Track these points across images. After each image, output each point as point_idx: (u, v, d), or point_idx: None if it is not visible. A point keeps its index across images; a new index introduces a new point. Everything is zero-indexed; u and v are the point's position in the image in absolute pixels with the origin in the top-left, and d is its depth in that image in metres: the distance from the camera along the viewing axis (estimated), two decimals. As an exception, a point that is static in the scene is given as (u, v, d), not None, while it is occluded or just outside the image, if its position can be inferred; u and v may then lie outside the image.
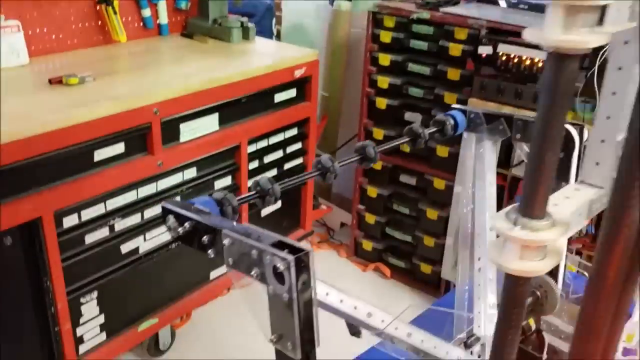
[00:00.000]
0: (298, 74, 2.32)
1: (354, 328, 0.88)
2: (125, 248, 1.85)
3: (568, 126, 1.23)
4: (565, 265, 1.35)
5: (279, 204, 2.47)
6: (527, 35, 0.59)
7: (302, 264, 0.69)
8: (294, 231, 2.60)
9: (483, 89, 2.20)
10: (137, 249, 1.88)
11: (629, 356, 0.97)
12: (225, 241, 0.77)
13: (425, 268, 2.59)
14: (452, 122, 1.33)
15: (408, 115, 2.52)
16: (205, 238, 0.80)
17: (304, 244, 0.72)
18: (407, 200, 2.61)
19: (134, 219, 1.85)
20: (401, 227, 2.67)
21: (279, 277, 0.70)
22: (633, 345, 1.02)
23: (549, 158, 0.62)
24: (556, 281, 1.34)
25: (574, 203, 0.81)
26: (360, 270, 2.78)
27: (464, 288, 1.28)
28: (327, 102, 3.12)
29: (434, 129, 1.32)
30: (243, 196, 0.92)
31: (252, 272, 0.73)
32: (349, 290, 2.87)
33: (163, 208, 0.85)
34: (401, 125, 2.54)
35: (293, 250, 0.70)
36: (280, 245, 0.71)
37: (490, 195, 1.35)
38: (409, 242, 2.65)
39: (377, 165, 2.68)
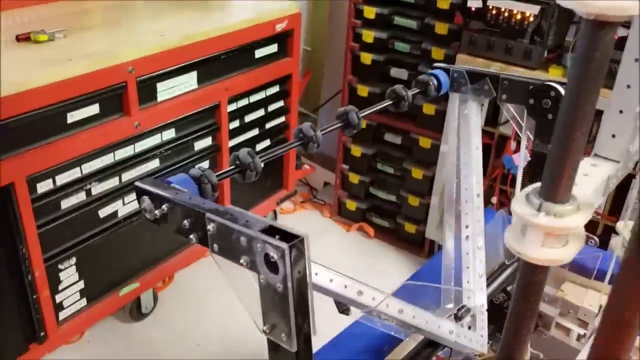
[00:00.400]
0: (279, 28, 2.23)
1: (343, 306, 0.84)
2: (103, 213, 1.79)
3: (556, 84, 1.18)
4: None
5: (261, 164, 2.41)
6: (561, 1, 0.52)
7: (297, 252, 0.64)
8: (276, 192, 2.55)
9: (472, 44, 2.13)
10: (115, 213, 1.82)
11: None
12: (210, 226, 0.70)
13: (410, 227, 2.58)
14: (435, 82, 1.28)
15: (394, 72, 2.44)
16: (186, 222, 0.74)
17: (297, 230, 0.66)
18: (392, 160, 2.57)
19: (112, 183, 1.78)
20: (385, 186, 2.64)
21: (272, 266, 0.64)
22: None
23: (578, 137, 0.56)
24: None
25: (593, 181, 0.76)
26: (344, 230, 2.76)
27: (450, 256, 1.24)
28: (309, 57, 3.03)
29: (417, 90, 1.27)
30: (222, 172, 0.86)
31: (241, 261, 0.68)
32: (332, 250, 2.84)
33: (136, 188, 0.78)
34: (387, 82, 2.49)
35: (285, 236, 0.64)
36: (271, 231, 0.65)
37: (476, 159, 1.30)
38: (393, 201, 2.62)
39: (362, 123, 2.62)
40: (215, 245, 0.71)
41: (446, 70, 1.30)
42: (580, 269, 1.43)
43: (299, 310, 0.66)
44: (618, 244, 1.37)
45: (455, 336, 0.99)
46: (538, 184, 0.63)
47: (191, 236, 0.75)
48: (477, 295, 1.12)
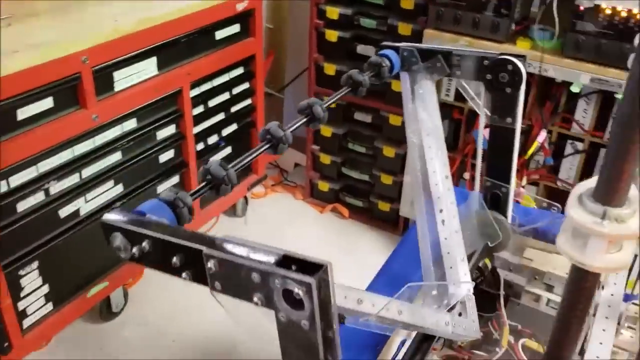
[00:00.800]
0: (240, 7, 2.14)
1: (340, 316, 0.78)
2: (64, 212, 1.69)
3: (512, 58, 1.14)
4: (512, 199, 1.31)
5: (228, 150, 2.34)
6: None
7: (324, 283, 0.55)
8: (246, 177, 2.48)
9: (439, 19, 2.07)
10: (77, 212, 1.73)
11: (630, 300, 0.93)
12: (210, 264, 0.60)
13: (384, 206, 2.54)
14: (387, 62, 1.21)
15: (361, 49, 2.38)
16: (175, 259, 0.63)
17: (317, 258, 0.57)
18: (363, 139, 2.52)
19: (72, 180, 1.69)
20: (357, 166, 2.59)
21: (294, 302, 0.56)
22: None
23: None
24: (506, 216, 1.30)
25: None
26: (318, 212, 2.71)
27: (426, 243, 1.19)
28: (272, 35, 2.93)
29: (370, 73, 1.20)
30: (196, 190, 0.76)
31: (254, 299, 0.58)
32: (307, 233, 2.79)
33: (104, 225, 0.67)
34: (354, 59, 2.42)
35: (305, 267, 0.55)
36: (286, 262, 0.56)
37: (439, 139, 1.25)
38: (366, 181, 2.58)
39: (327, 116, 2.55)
40: (217, 284, 0.61)
41: (395, 49, 1.24)
42: (542, 234, 1.43)
43: (327, 344, 0.58)
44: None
45: (452, 327, 0.95)
46: (586, 184, 0.57)
47: (183, 275, 0.64)
48: (461, 280, 1.08)
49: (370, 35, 2.34)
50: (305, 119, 0.97)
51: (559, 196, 2.22)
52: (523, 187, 2.16)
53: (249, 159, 0.83)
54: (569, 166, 2.13)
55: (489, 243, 1.26)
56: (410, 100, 1.28)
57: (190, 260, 0.62)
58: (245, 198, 2.63)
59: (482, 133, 1.29)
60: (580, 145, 2.07)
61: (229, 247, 0.60)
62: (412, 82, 1.27)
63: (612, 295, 0.82)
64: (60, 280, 1.73)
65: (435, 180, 1.21)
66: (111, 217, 0.67)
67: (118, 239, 0.66)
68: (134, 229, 0.65)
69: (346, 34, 2.38)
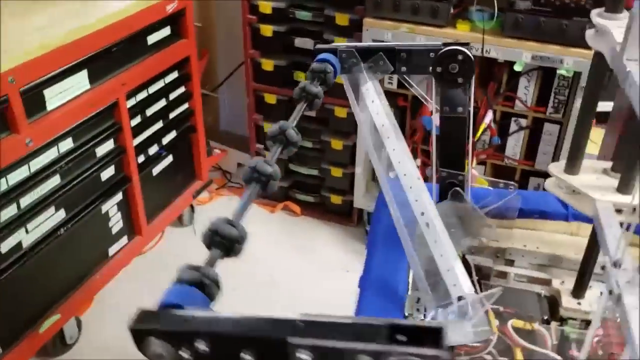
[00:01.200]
0: (170, 8, 2.03)
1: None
2: (4, 246, 1.55)
3: (463, 48, 1.11)
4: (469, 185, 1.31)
5: (170, 159, 2.23)
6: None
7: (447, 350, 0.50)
8: (191, 184, 2.39)
9: (377, 7, 2.04)
10: (19, 245, 1.60)
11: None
12: (300, 354, 0.50)
13: (336, 199, 2.51)
14: (330, 68, 1.14)
15: (298, 42, 2.32)
16: (246, 355, 0.53)
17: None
18: (309, 133, 2.46)
19: (9, 212, 1.55)
20: (306, 161, 2.54)
21: None
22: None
23: None
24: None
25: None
26: (268, 212, 2.64)
27: (411, 250, 1.16)
28: (201, 33, 2.81)
29: (318, 82, 1.13)
30: (210, 259, 0.65)
31: None
32: (259, 235, 2.71)
33: (135, 332, 0.54)
34: (292, 53, 2.36)
35: (414, 334, 0.48)
36: (393, 334, 0.48)
37: (400, 140, 1.21)
38: (315, 175, 2.54)
39: (272, 99, 2.49)
40: None
41: (333, 52, 1.14)
42: (499, 213, 1.44)
43: None
44: (553, 184, 1.39)
45: (472, 334, 0.93)
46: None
47: None
48: (461, 281, 1.06)
49: (307, 27, 2.29)
50: (280, 146, 0.90)
51: (504, 172, 2.27)
52: (473, 168, 2.18)
53: (246, 208, 0.75)
54: (514, 143, 2.17)
55: (482, 239, 1.24)
56: (356, 104, 1.21)
57: (269, 353, 0.52)
58: (192, 206, 2.53)
59: (435, 124, 1.26)
60: (523, 122, 2.11)
61: (318, 329, 0.50)
62: (355, 85, 1.20)
63: (624, 269, 0.81)
64: (8, 319, 1.60)
65: (409, 183, 1.17)
66: (138, 324, 0.55)
67: (156, 345, 0.54)
68: (180, 329, 0.54)
69: (281, 27, 2.31)
